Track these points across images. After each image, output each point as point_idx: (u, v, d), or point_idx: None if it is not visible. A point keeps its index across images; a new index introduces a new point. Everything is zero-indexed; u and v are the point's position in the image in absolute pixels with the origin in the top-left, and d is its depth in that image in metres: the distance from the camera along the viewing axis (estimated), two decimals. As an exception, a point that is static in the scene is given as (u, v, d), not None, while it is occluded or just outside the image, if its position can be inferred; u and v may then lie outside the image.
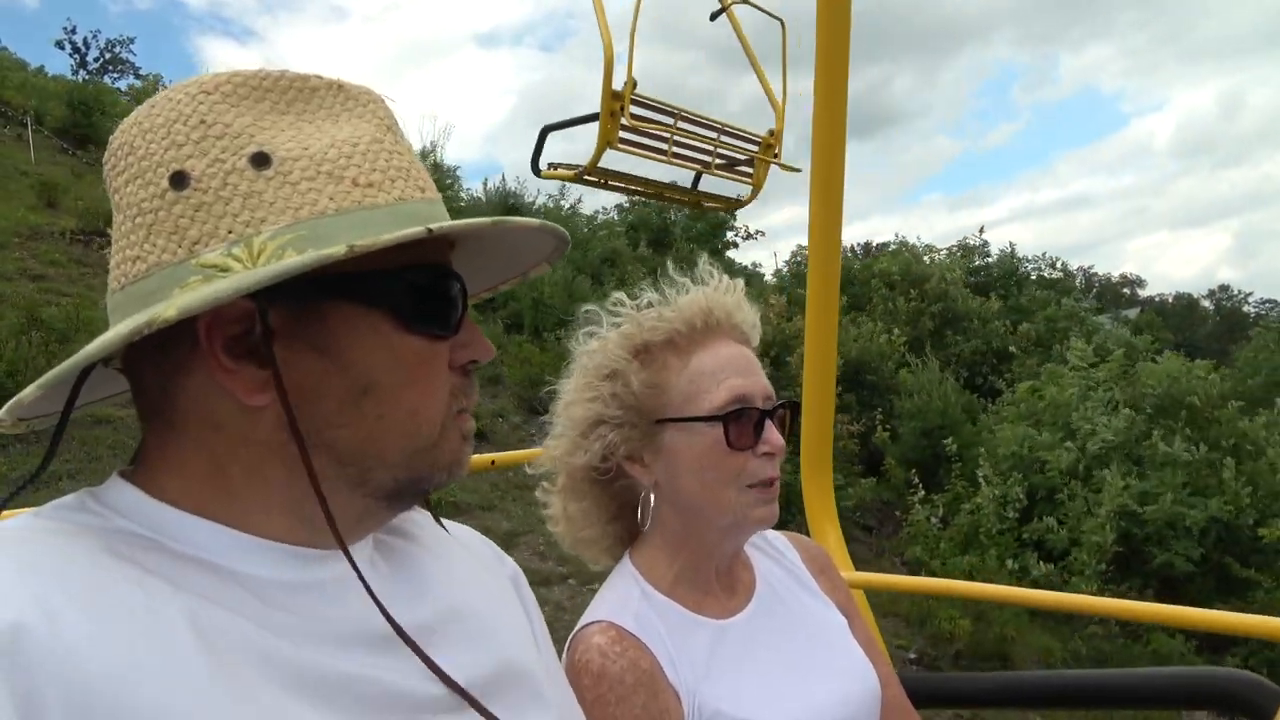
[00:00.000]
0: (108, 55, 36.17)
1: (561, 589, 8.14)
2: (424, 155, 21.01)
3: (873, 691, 1.27)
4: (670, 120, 4.85)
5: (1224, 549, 11.16)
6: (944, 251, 25.08)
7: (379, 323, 0.70)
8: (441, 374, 0.74)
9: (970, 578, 10.28)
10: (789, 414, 1.26)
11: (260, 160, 0.68)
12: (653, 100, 4.83)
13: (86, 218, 11.90)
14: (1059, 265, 29.11)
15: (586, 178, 5.02)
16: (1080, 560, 11.02)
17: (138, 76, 21.75)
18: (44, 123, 16.00)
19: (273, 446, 0.68)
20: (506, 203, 19.89)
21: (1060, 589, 11.24)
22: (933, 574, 10.15)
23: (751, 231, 29.83)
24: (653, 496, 1.26)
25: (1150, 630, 10.83)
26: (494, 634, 0.83)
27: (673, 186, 6.02)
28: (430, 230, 0.66)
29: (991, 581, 10.48)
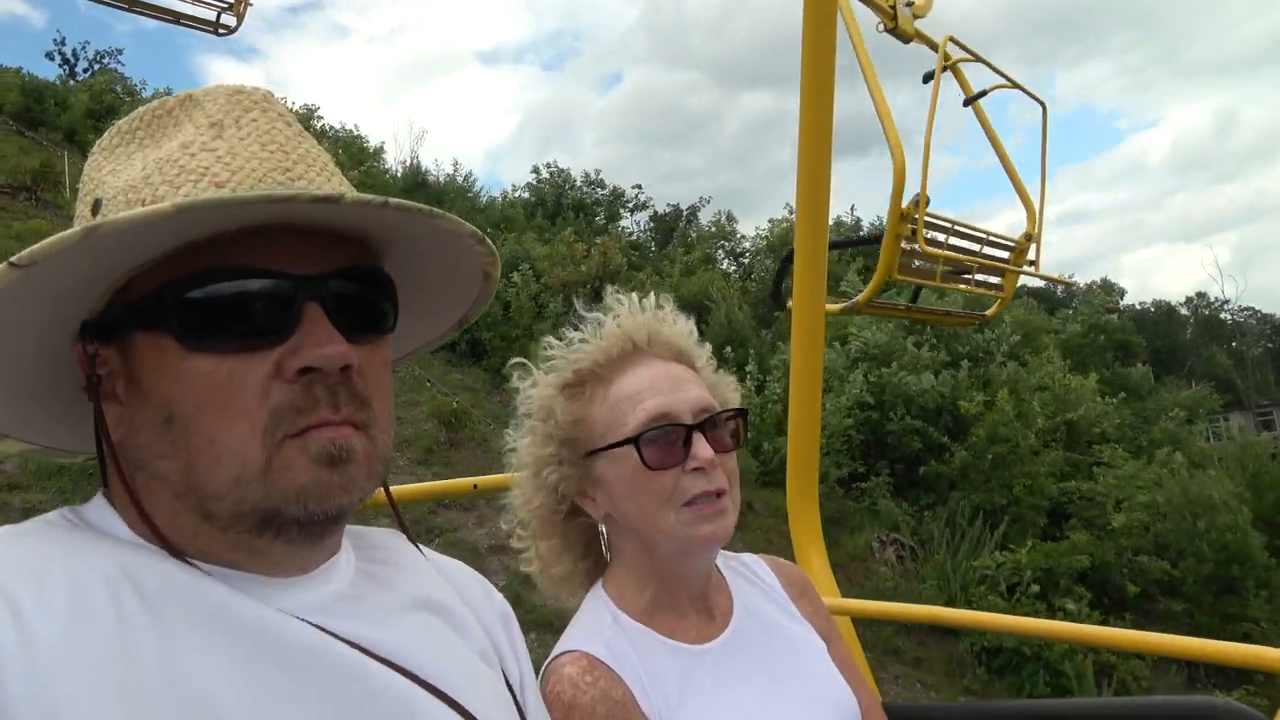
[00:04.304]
0: (96, 66, 38.95)
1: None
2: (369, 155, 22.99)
3: (852, 717, 1.25)
4: (943, 238, 3.84)
5: (948, 432, 13.36)
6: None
7: (165, 346, 0.67)
8: (245, 393, 0.66)
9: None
10: (740, 422, 1.25)
11: (96, 206, 0.71)
12: (941, 219, 3.83)
13: (16, 175, 14.43)
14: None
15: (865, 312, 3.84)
16: (825, 443, 13.29)
17: (126, 91, 24.13)
18: (3, 110, 18.75)
19: (136, 478, 0.69)
20: (416, 178, 22.18)
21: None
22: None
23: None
24: (604, 529, 1.26)
25: (880, 496, 12.98)
26: (458, 658, 0.81)
27: (948, 313, 5.26)
28: (178, 207, 0.59)
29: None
